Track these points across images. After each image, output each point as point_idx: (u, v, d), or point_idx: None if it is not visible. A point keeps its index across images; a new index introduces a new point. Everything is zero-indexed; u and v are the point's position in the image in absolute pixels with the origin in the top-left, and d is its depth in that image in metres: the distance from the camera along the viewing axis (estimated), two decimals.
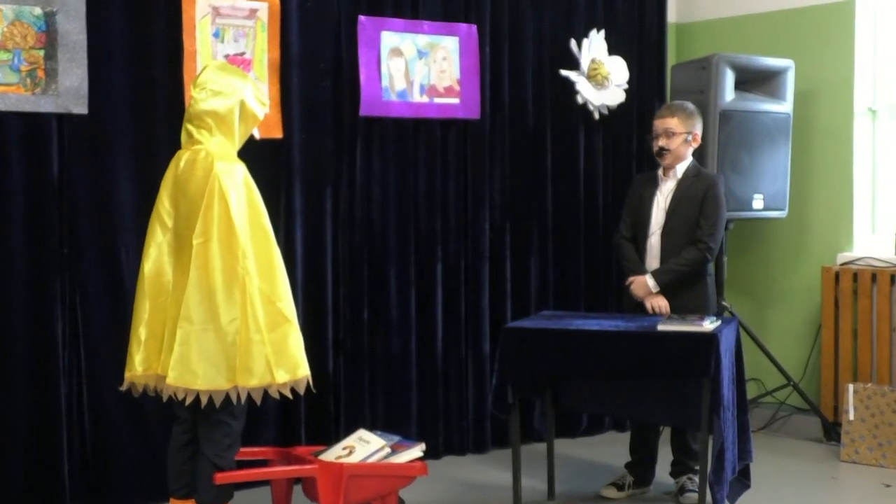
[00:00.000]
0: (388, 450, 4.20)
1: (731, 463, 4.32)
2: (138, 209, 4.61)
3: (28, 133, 4.52)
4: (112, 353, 4.55)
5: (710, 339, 4.17)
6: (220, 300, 3.72)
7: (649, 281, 4.78)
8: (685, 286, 4.79)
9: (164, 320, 3.86)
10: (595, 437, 6.08)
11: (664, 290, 4.78)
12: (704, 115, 5.53)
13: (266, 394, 3.84)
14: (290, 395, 3.89)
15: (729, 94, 5.66)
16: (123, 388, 3.97)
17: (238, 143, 3.94)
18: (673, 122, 4.84)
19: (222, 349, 3.73)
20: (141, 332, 3.88)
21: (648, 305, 4.78)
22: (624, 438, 5.22)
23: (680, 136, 4.83)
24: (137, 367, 3.87)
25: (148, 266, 3.91)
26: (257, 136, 4.21)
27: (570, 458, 5.53)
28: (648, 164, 5.20)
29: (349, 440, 4.30)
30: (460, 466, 5.48)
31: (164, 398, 3.81)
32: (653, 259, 4.86)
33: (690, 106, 4.94)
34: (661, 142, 4.84)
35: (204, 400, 3.74)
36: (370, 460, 4.15)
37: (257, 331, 3.76)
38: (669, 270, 4.77)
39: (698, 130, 4.90)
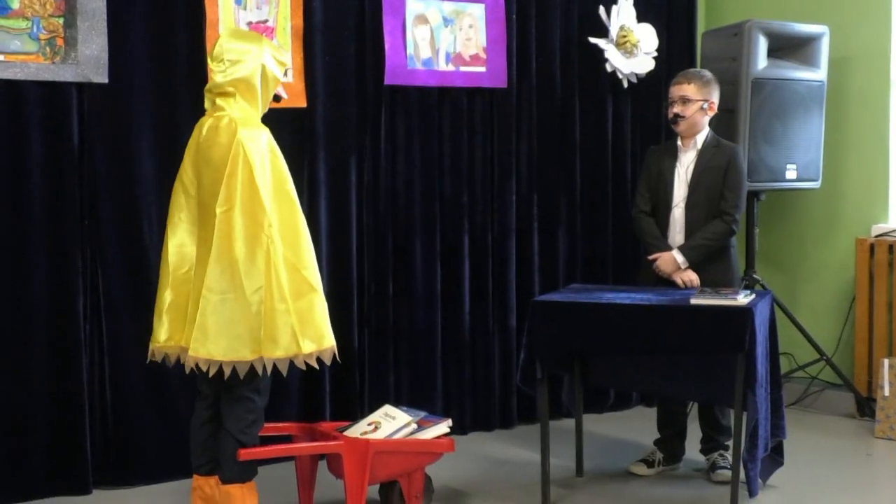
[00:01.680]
0: (414, 426, 4.19)
1: (763, 440, 4.28)
2: (160, 180, 4.60)
3: (47, 103, 4.49)
4: (134, 327, 4.55)
5: (746, 313, 4.11)
6: (244, 269, 3.68)
7: (678, 257, 4.71)
8: (709, 259, 4.74)
9: (188, 291, 3.83)
10: (623, 413, 6.07)
11: (691, 266, 4.71)
12: (737, 82, 5.51)
13: (291, 366, 3.80)
14: (316, 366, 3.85)
15: (762, 61, 5.59)
16: (149, 360, 3.94)
17: (262, 109, 3.90)
18: (689, 89, 4.77)
19: (246, 319, 3.69)
20: (164, 302, 3.86)
21: (679, 280, 4.72)
22: (652, 414, 5.20)
23: (696, 104, 4.76)
24: (160, 337, 3.85)
25: (172, 237, 3.88)
26: (284, 95, 4.15)
27: (598, 434, 5.51)
28: (676, 133, 5.13)
29: (375, 416, 4.30)
30: (487, 442, 5.46)
31: (187, 370, 3.77)
32: (676, 233, 4.80)
33: (707, 73, 4.88)
34: (677, 108, 4.78)
35: (227, 371, 3.70)
36: (396, 436, 4.14)
37: (282, 300, 3.72)
38: (697, 245, 4.70)
39: (715, 99, 4.83)
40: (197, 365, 3.71)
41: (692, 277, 4.70)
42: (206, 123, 3.84)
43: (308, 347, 3.78)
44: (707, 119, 4.83)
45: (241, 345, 3.70)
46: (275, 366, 3.76)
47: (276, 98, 4.02)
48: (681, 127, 4.79)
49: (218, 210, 3.70)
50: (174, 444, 4.63)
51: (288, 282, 3.75)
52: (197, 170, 3.86)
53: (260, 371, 3.74)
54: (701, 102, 4.77)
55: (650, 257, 4.81)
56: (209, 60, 3.91)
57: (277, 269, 3.72)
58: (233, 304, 3.69)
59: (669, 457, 4.92)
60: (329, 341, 3.85)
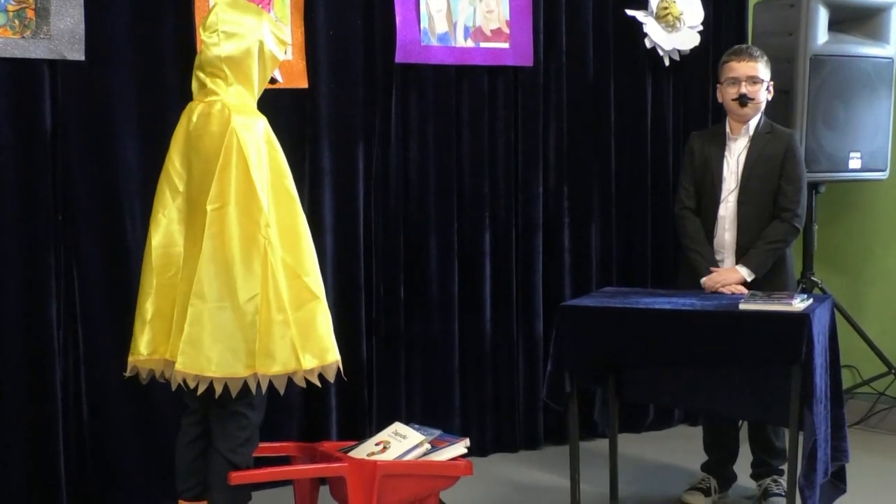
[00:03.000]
0: (427, 446, 4.18)
1: (823, 464, 4.25)
2: (144, 170, 4.61)
3: (16, 82, 4.49)
4: (113, 334, 4.55)
5: (801, 319, 4.08)
6: (238, 274, 3.68)
7: (742, 270, 4.65)
8: None
9: (174, 298, 3.82)
10: (663, 433, 6.06)
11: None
12: (793, 60, 5.51)
13: (290, 382, 3.79)
14: (318, 383, 3.84)
15: (822, 36, 5.58)
16: (127, 374, 3.94)
17: (258, 92, 3.90)
18: (759, 68, 4.74)
19: (240, 330, 3.69)
20: (147, 310, 3.85)
21: (728, 291, 4.65)
22: (696, 434, 5.18)
23: (763, 84, 4.74)
24: (142, 350, 3.85)
25: (156, 236, 3.88)
26: (280, 79, 4.14)
27: (635, 456, 5.50)
28: (723, 116, 5.11)
29: (383, 435, 4.29)
30: (510, 465, 5.46)
31: (174, 386, 3.76)
32: (725, 231, 4.77)
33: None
34: (746, 88, 4.73)
35: (218, 388, 3.70)
36: (407, 458, 4.13)
37: (280, 309, 3.71)
38: (762, 253, 4.63)
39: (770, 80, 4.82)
40: (185, 381, 3.71)
41: (741, 289, 4.65)
42: (196, 109, 3.84)
43: (309, 363, 3.77)
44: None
45: (235, 359, 3.69)
46: (271, 383, 3.75)
47: (272, 81, 4.02)
48: (748, 110, 4.74)
49: (209, 207, 3.70)
50: (158, 464, 4.64)
51: (287, 289, 3.74)
52: (186, 161, 3.86)
53: (254, 389, 3.74)
54: (767, 83, 4.75)
55: (702, 280, 4.72)
56: (200, 30, 3.90)
57: (275, 274, 3.72)
58: (225, 314, 3.68)
59: (722, 483, 4.91)
60: (333, 355, 3.84)
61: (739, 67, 4.76)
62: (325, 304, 3.84)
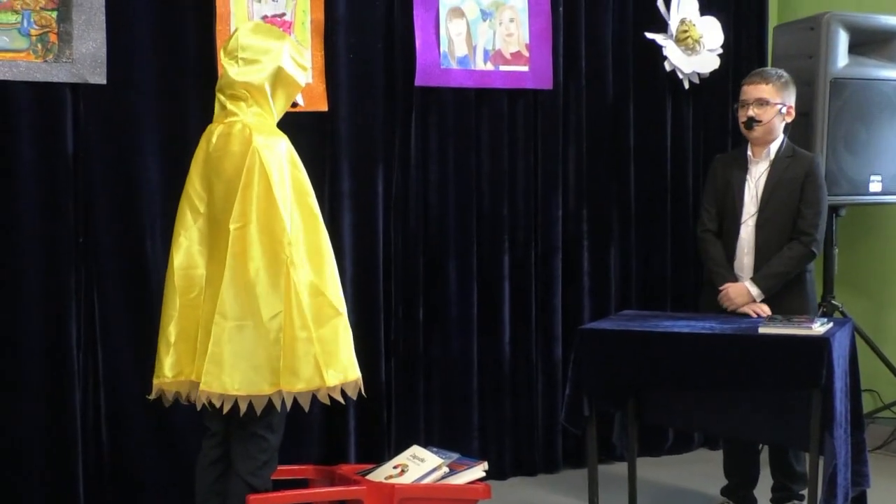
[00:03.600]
0: (445, 469, 4.18)
1: (843, 489, 4.22)
2: (165, 191, 4.62)
3: (39, 106, 4.52)
4: (134, 356, 4.56)
5: (822, 343, 4.06)
6: (262, 293, 3.68)
7: (752, 289, 4.66)
8: (782, 285, 4.69)
9: (197, 319, 3.82)
10: (683, 456, 6.03)
11: (766, 297, 4.66)
12: (813, 83, 5.48)
13: (313, 401, 3.78)
14: (342, 400, 3.83)
15: (842, 59, 5.57)
16: (152, 396, 3.93)
17: (277, 115, 3.90)
18: (767, 90, 4.74)
19: (264, 348, 3.68)
20: (170, 332, 3.85)
21: (750, 311, 4.66)
22: (716, 458, 5.15)
23: (773, 108, 4.73)
24: (167, 372, 3.84)
25: (178, 257, 3.87)
26: (301, 103, 4.14)
27: (655, 480, 5.48)
28: (745, 140, 5.11)
29: (401, 458, 4.29)
30: (529, 488, 5.45)
31: (199, 407, 3.76)
32: (745, 255, 4.77)
33: (785, 74, 4.86)
34: (752, 111, 4.74)
35: (243, 407, 3.69)
36: (425, 481, 4.12)
37: (303, 327, 3.71)
38: (774, 274, 4.65)
39: (792, 103, 4.82)
40: (209, 401, 3.71)
41: (764, 309, 4.65)
42: (216, 131, 3.84)
43: (333, 379, 3.76)
44: (783, 125, 4.79)
45: (259, 377, 3.69)
46: (295, 401, 3.75)
47: (293, 104, 4.02)
48: (756, 133, 4.74)
49: (231, 227, 3.70)
50: (178, 487, 4.63)
51: (310, 306, 3.74)
52: (207, 182, 3.86)
53: (279, 406, 3.73)
54: (779, 106, 4.74)
55: (721, 292, 4.75)
56: (221, 54, 3.91)
57: (298, 292, 3.71)
58: (249, 332, 3.68)
59: None
60: (355, 373, 3.84)
61: (748, 90, 4.78)
62: (346, 320, 3.83)
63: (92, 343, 4.64)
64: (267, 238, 3.70)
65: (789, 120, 4.82)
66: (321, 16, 5.02)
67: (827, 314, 5.49)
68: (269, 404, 3.72)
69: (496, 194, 5.52)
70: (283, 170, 3.75)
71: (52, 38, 4.49)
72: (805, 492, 4.53)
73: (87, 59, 4.53)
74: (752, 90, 4.77)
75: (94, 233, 4.64)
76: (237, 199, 3.70)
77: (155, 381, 3.89)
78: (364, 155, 5.18)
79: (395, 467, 4.22)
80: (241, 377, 3.68)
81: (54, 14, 4.49)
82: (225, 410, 3.70)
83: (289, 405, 3.74)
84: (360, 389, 3.86)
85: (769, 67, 5.06)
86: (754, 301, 4.66)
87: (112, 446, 4.68)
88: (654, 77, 5.91)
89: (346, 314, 3.84)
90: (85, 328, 4.62)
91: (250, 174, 3.70)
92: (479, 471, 4.23)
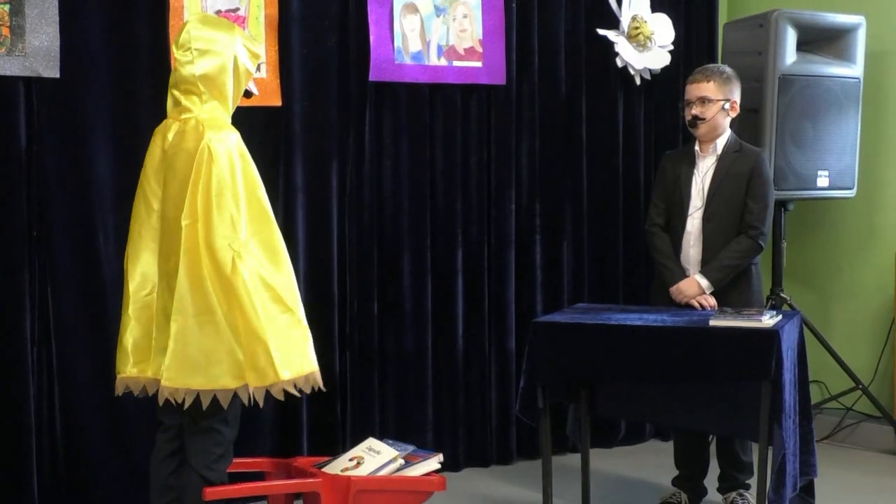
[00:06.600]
0: (401, 461, 4.17)
1: (792, 478, 4.25)
2: (118, 186, 4.60)
3: None
4: (88, 350, 4.54)
5: (771, 335, 4.09)
6: (213, 288, 3.65)
7: (702, 281, 4.70)
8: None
9: (151, 316, 3.80)
10: (635, 447, 6.07)
11: (715, 290, 4.71)
12: (762, 79, 5.51)
13: (266, 395, 3.76)
14: (296, 394, 3.81)
15: (790, 55, 5.60)
16: (119, 392, 3.88)
17: (232, 106, 3.86)
18: (709, 88, 4.77)
19: (223, 343, 3.66)
20: (129, 330, 3.81)
21: (697, 304, 4.70)
22: (668, 448, 5.19)
23: (716, 104, 4.76)
24: (128, 368, 3.81)
25: (132, 255, 3.84)
26: (255, 91, 4.10)
27: (607, 471, 5.50)
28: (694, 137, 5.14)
29: (357, 450, 4.28)
30: (483, 479, 5.45)
31: (160, 402, 3.73)
32: (690, 247, 4.80)
33: (728, 69, 4.89)
34: (696, 110, 4.78)
35: (205, 402, 3.66)
36: (381, 473, 4.12)
37: (256, 320, 3.67)
38: (722, 267, 4.69)
39: (737, 97, 4.85)
40: (172, 396, 3.68)
41: (712, 303, 4.69)
42: (171, 127, 3.80)
43: (286, 375, 3.74)
44: (728, 121, 4.82)
45: (222, 372, 3.66)
46: (251, 396, 3.74)
47: (247, 94, 3.99)
48: (701, 130, 4.78)
49: (183, 223, 3.66)
50: (133, 481, 4.61)
51: (262, 301, 3.72)
52: (161, 180, 3.82)
53: (246, 401, 3.71)
54: (722, 102, 4.77)
55: (671, 288, 4.79)
56: (174, 48, 3.86)
57: (248, 287, 3.70)
58: (207, 328, 3.66)
59: (693, 497, 4.91)
60: (311, 366, 3.81)
61: (691, 89, 4.83)
62: (301, 316, 3.80)
63: (46, 337, 4.60)
64: (216, 233, 3.66)
65: (734, 115, 4.84)
66: (275, 11, 5.01)
67: (776, 307, 5.54)
68: (223, 400, 3.69)
69: (450, 189, 5.53)
70: (233, 163, 3.71)
71: (5, 31, 4.45)
72: (751, 481, 4.57)
73: (39, 52, 4.49)
74: (695, 89, 4.81)
75: (47, 226, 4.60)
76: (188, 194, 3.67)
77: (119, 377, 3.84)
78: (318, 150, 5.17)
79: (350, 459, 4.21)
80: (203, 372, 3.66)
81: (7, 7, 4.44)
82: (186, 405, 3.67)
83: (259, 399, 3.69)
84: (318, 382, 3.85)
85: (711, 64, 5.08)
86: (703, 293, 4.70)
87: (66, 441, 4.65)
88: (606, 73, 5.93)
89: (302, 310, 3.83)
90: (39, 322, 4.58)
91: (199, 169, 3.67)
92: (434, 462, 4.23)
